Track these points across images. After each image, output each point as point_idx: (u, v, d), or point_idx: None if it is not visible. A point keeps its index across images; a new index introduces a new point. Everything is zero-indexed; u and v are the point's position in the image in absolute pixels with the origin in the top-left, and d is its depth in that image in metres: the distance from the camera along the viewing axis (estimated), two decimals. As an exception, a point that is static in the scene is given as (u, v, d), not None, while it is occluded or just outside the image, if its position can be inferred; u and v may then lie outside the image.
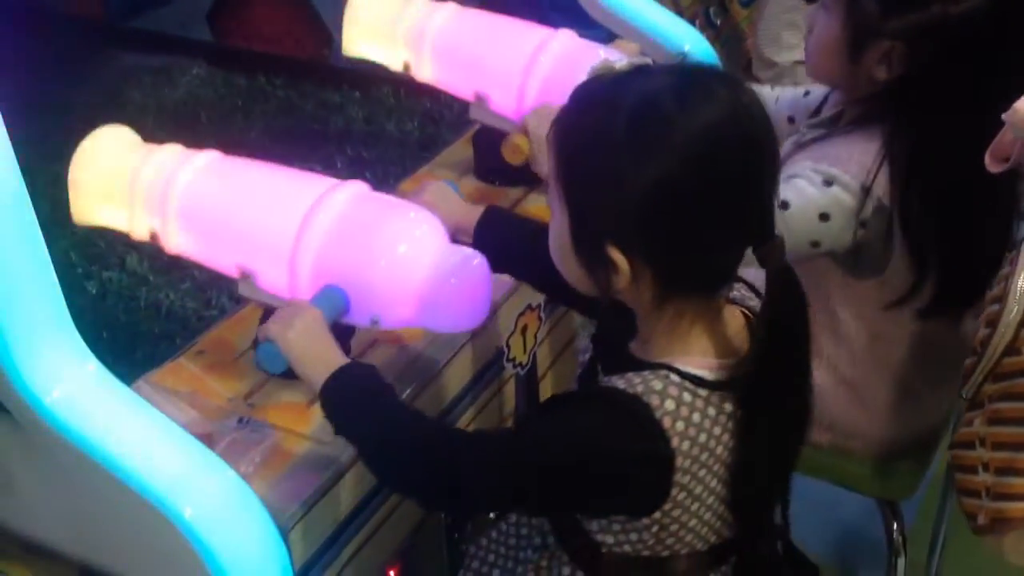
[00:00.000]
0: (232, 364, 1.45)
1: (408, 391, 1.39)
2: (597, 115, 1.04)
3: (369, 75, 2.27)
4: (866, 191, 1.46)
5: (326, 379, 1.16)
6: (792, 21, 2.76)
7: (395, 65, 1.83)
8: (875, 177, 1.46)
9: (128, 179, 1.41)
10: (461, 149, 2.00)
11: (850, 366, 1.62)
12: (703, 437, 1.04)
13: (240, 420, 1.35)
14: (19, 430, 1.09)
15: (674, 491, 1.04)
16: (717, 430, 1.05)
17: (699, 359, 1.07)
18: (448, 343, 1.48)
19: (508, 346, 1.60)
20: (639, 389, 1.03)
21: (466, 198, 1.79)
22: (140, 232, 1.43)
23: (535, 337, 1.66)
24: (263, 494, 1.16)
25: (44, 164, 2.06)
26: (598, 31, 1.93)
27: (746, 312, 1.14)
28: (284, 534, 1.18)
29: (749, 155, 1.02)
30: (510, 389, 1.64)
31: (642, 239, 1.02)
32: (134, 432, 1.09)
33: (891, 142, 1.47)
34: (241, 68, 2.52)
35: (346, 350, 1.41)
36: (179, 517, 1.07)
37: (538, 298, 1.46)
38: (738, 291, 1.16)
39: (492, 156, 1.89)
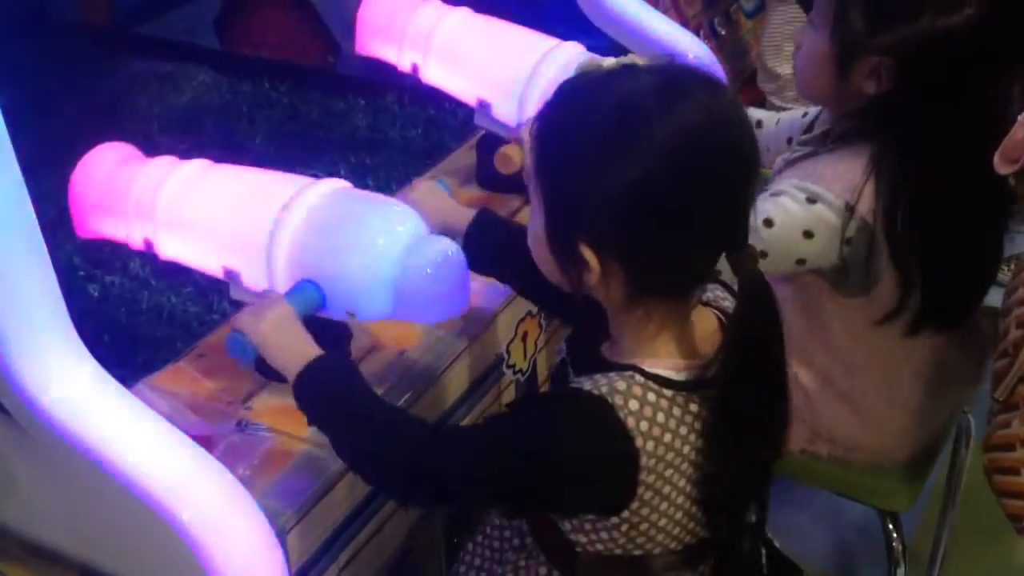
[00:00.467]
0: (232, 368, 1.45)
1: (407, 396, 1.39)
2: (576, 111, 1.04)
3: (374, 83, 2.28)
4: (851, 209, 1.45)
5: (301, 370, 1.17)
6: (795, 33, 2.76)
7: (404, 65, 1.84)
8: (860, 195, 1.46)
9: (122, 191, 1.44)
10: (464, 156, 2.00)
11: (846, 379, 1.62)
12: (668, 437, 1.04)
13: (239, 423, 1.36)
14: (18, 431, 1.10)
15: (640, 490, 1.04)
16: (683, 430, 1.05)
17: (666, 360, 1.07)
18: (447, 349, 1.49)
19: (508, 352, 1.60)
20: (603, 390, 1.03)
21: (467, 203, 1.80)
22: (136, 241, 1.46)
23: (535, 344, 1.66)
24: (261, 497, 1.17)
25: (50, 169, 2.08)
26: (602, 40, 1.94)
27: (719, 314, 1.14)
28: (281, 537, 1.19)
29: (725, 159, 1.02)
30: (509, 395, 1.64)
31: (614, 238, 1.02)
32: (132, 434, 1.09)
33: (879, 157, 1.46)
34: (247, 75, 2.53)
35: (345, 355, 1.42)
36: (177, 519, 1.07)
37: (538, 305, 1.47)
38: (712, 292, 1.16)
39: (492, 163, 1.90)
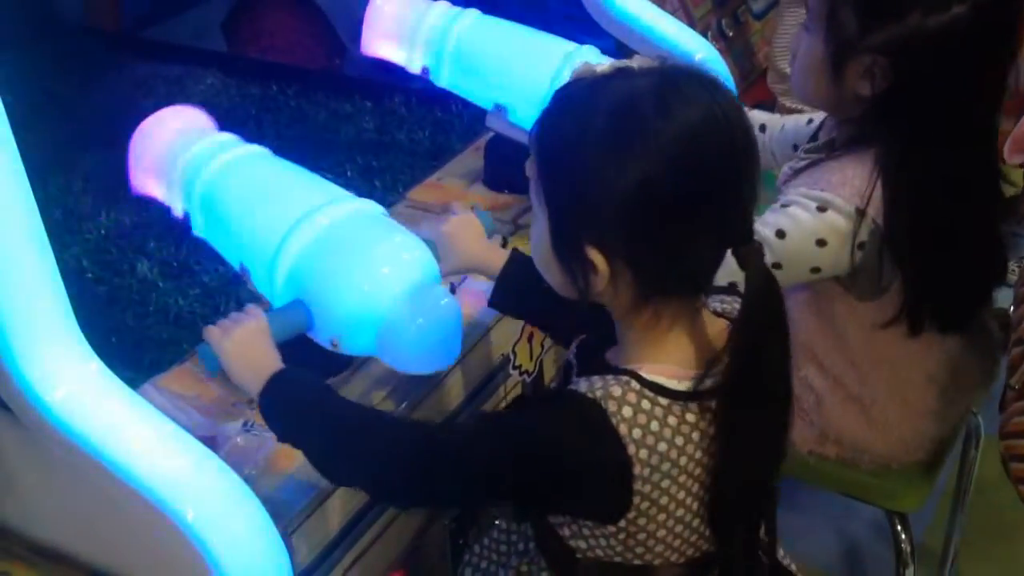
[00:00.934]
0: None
1: (410, 400, 1.39)
2: (577, 116, 1.05)
3: (380, 85, 2.29)
4: (861, 213, 1.45)
5: (261, 388, 1.16)
6: (791, 40, 2.76)
7: (413, 68, 1.84)
8: (869, 199, 1.45)
9: (175, 158, 1.46)
10: (470, 157, 2.01)
11: (857, 382, 1.61)
12: (663, 446, 1.03)
13: (244, 424, 1.36)
14: (22, 430, 1.10)
15: (636, 499, 1.04)
16: (679, 440, 1.04)
17: (666, 367, 1.06)
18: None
19: (514, 353, 1.60)
20: (598, 394, 1.03)
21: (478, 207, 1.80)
22: (177, 210, 1.49)
23: (542, 345, 1.66)
24: (266, 497, 1.16)
25: (57, 172, 2.08)
26: (606, 41, 1.94)
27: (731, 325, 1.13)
28: (286, 538, 1.18)
29: (727, 155, 1.02)
30: (514, 398, 1.63)
31: (621, 239, 1.02)
32: (136, 433, 1.09)
33: (883, 159, 1.46)
34: (254, 78, 2.53)
35: (345, 363, 1.41)
36: (181, 519, 1.07)
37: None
38: (730, 304, 1.16)
39: (503, 166, 1.90)
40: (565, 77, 1.67)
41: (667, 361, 1.07)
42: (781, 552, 1.27)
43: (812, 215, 1.47)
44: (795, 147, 1.72)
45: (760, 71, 2.97)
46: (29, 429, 1.09)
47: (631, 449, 1.02)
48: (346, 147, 2.16)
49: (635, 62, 1.09)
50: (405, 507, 1.38)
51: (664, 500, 1.06)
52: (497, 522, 1.36)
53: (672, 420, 1.04)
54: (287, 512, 1.23)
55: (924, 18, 1.39)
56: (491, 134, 1.89)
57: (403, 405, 1.39)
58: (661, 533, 1.08)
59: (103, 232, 1.88)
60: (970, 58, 1.41)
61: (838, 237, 1.47)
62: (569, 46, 1.76)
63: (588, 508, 1.08)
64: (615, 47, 1.97)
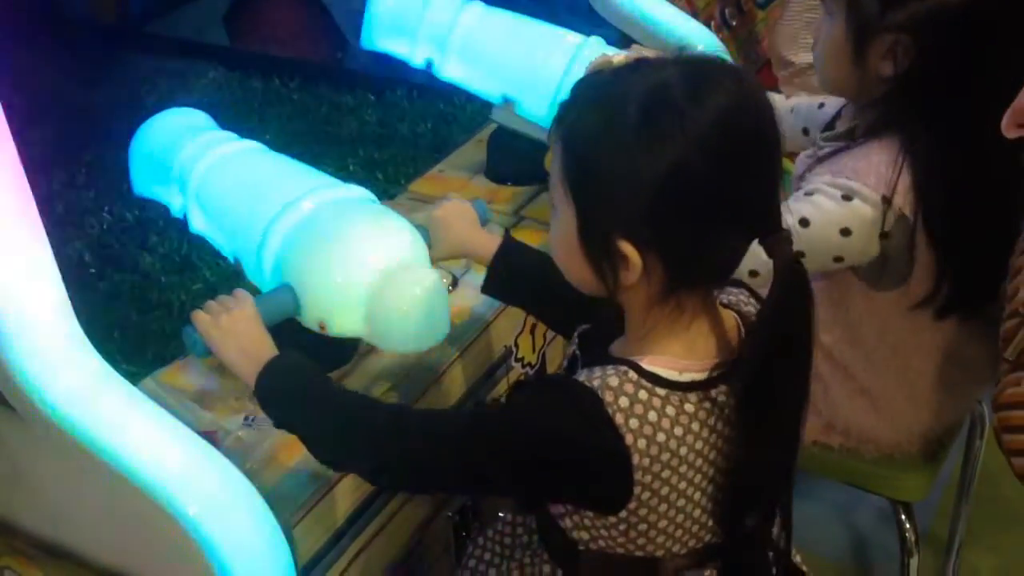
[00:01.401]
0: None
1: (412, 393, 1.39)
2: (604, 108, 1.04)
3: (383, 78, 2.28)
4: (887, 202, 1.45)
5: (257, 375, 1.17)
6: (812, 21, 2.75)
7: (417, 61, 1.83)
8: (895, 187, 1.45)
9: (172, 159, 1.48)
10: (472, 149, 2.00)
11: (869, 376, 1.61)
12: (662, 436, 1.03)
13: (246, 418, 1.36)
14: (23, 426, 1.10)
15: (637, 489, 1.04)
16: (679, 430, 1.04)
17: (668, 359, 1.06)
18: (454, 342, 1.48)
19: (516, 345, 1.60)
20: (595, 383, 1.03)
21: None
22: (176, 209, 1.50)
23: (544, 336, 1.66)
24: (268, 491, 1.17)
25: (60, 166, 2.08)
26: (608, 31, 1.93)
27: (737, 317, 1.13)
28: (288, 531, 1.19)
29: (756, 141, 1.02)
30: (518, 389, 1.63)
31: (654, 230, 1.02)
32: (137, 428, 1.09)
33: (909, 142, 1.45)
34: (257, 71, 2.53)
35: (349, 354, 1.41)
36: (183, 514, 1.07)
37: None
38: (736, 296, 1.15)
39: (505, 158, 1.90)
40: (576, 69, 1.67)
41: (675, 353, 1.07)
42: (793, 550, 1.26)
43: (837, 204, 1.46)
44: (805, 131, 1.71)
45: (764, 61, 2.96)
46: (30, 425, 1.09)
47: (629, 439, 1.02)
48: (348, 140, 2.16)
49: (649, 51, 1.08)
50: (402, 492, 1.38)
51: (666, 491, 1.05)
52: (501, 514, 1.36)
53: (670, 410, 1.04)
54: (289, 506, 1.23)
55: None
56: (494, 126, 1.88)
57: (405, 398, 1.39)
58: (663, 524, 1.08)
59: (105, 227, 1.89)
60: (993, 32, 1.40)
61: (863, 226, 1.46)
62: (577, 38, 1.75)
63: (589, 496, 1.08)
64: (618, 37, 1.97)
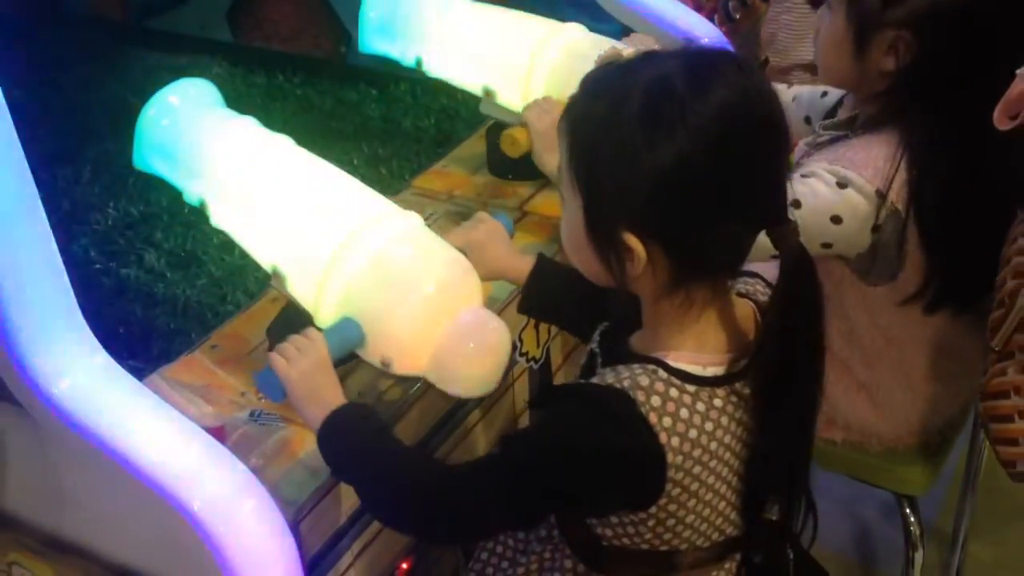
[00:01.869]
0: (245, 359, 1.46)
1: (413, 389, 1.39)
2: (609, 100, 1.04)
3: (385, 73, 2.29)
4: (881, 196, 1.45)
5: (322, 421, 1.17)
6: (788, 24, 2.75)
7: (408, 61, 1.84)
8: (891, 182, 1.45)
9: (192, 139, 1.42)
10: (474, 145, 2.00)
11: (865, 369, 1.61)
12: (694, 433, 1.03)
13: (252, 413, 1.36)
14: (30, 422, 1.10)
15: (669, 487, 1.04)
16: (709, 426, 1.04)
17: (691, 354, 1.06)
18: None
19: (520, 340, 1.59)
20: (625, 384, 1.03)
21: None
22: (191, 196, 1.44)
23: (548, 331, 1.66)
24: (273, 487, 1.17)
25: (64, 162, 2.09)
26: (611, 25, 1.93)
27: (755, 306, 1.13)
28: (294, 527, 1.19)
29: (761, 133, 1.02)
30: (522, 384, 1.63)
31: (657, 222, 1.02)
32: (142, 424, 1.09)
33: (908, 135, 1.45)
34: (260, 67, 2.54)
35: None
36: (188, 509, 1.07)
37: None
38: (752, 285, 1.16)
39: (502, 151, 1.90)
40: (547, 54, 1.67)
41: (693, 347, 1.07)
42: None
43: (831, 190, 1.46)
44: (807, 119, 1.71)
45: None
46: (36, 420, 1.09)
47: (663, 437, 1.02)
48: (352, 135, 2.17)
49: (651, 41, 1.08)
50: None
51: (695, 486, 1.06)
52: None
53: (700, 406, 1.04)
54: (294, 502, 1.23)
55: None
56: (491, 121, 1.88)
57: (410, 391, 1.39)
58: (690, 519, 1.08)
59: (110, 223, 1.89)
60: (994, 28, 1.40)
61: (855, 216, 1.46)
62: (550, 25, 1.76)
63: (620, 500, 1.08)
64: (620, 30, 1.96)
